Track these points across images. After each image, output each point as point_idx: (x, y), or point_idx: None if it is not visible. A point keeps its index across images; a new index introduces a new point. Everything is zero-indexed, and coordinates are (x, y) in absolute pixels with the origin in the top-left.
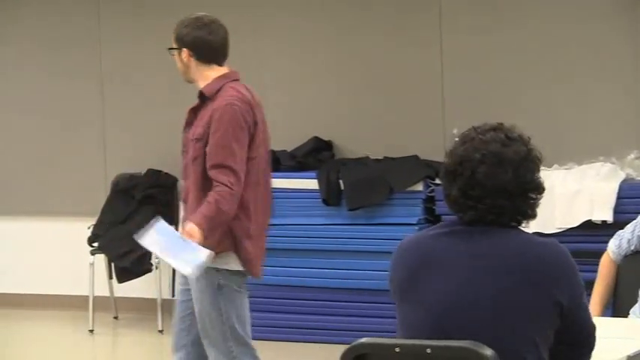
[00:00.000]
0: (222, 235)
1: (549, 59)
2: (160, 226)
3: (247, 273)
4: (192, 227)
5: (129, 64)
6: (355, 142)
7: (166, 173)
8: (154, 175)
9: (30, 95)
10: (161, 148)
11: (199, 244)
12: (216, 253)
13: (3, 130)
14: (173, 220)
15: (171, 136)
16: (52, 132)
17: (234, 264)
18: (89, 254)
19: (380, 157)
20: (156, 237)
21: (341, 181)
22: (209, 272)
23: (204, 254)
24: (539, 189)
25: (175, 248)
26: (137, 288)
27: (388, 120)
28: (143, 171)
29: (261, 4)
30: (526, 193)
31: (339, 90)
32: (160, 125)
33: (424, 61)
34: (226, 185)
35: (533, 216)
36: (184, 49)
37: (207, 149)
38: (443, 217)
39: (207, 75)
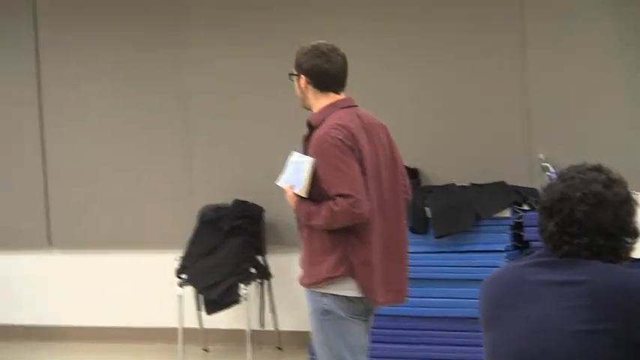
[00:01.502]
0: (337, 261)
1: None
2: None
3: (366, 300)
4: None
5: (213, 93)
6: (441, 169)
7: (253, 203)
8: (240, 205)
9: (116, 129)
10: (247, 179)
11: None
12: (331, 278)
13: (90, 163)
14: (260, 251)
15: (256, 166)
16: (138, 164)
17: (344, 290)
18: (177, 286)
19: (466, 184)
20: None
21: (427, 209)
22: (315, 296)
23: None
24: (636, 233)
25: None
26: (226, 319)
27: (473, 146)
28: (230, 202)
29: (343, 32)
30: (623, 236)
31: (424, 117)
32: (245, 155)
33: (508, 86)
34: (345, 206)
35: (627, 259)
36: (302, 76)
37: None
38: (531, 243)
39: (321, 103)
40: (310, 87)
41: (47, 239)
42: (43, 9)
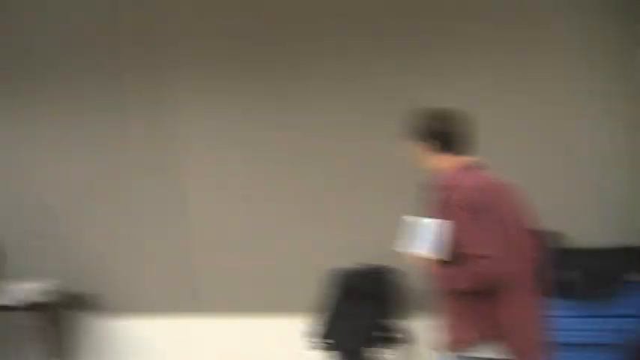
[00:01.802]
0: (478, 323)
1: None
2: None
3: None
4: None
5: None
6: (584, 230)
7: (384, 266)
8: (371, 269)
9: (257, 193)
10: (378, 241)
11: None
12: (474, 341)
13: (233, 227)
14: (394, 316)
15: (386, 227)
16: (268, 227)
17: (488, 353)
18: (309, 351)
19: (610, 246)
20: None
21: (569, 272)
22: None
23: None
24: None
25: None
26: None
27: (617, 206)
28: (360, 265)
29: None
30: None
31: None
32: (372, 217)
33: None
34: (487, 267)
35: None
36: (423, 139)
37: None
38: None
39: (442, 165)
40: (432, 149)
41: (191, 302)
42: (185, 72)
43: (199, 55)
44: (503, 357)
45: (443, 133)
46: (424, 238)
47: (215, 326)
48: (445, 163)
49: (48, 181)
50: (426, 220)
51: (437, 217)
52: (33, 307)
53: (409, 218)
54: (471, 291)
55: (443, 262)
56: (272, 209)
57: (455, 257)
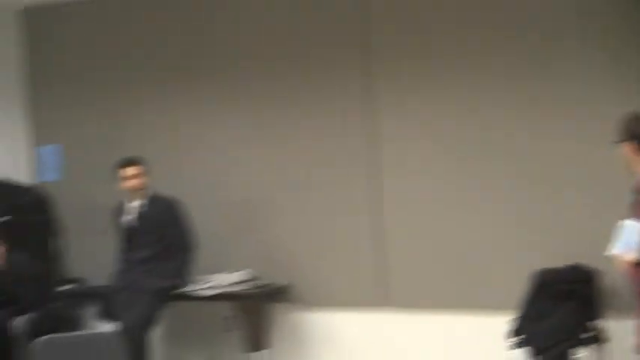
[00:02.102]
0: None
1: None
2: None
3: None
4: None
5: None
6: None
7: (587, 267)
8: (574, 268)
9: (455, 187)
10: (580, 241)
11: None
12: None
13: (426, 221)
14: (595, 316)
15: (591, 229)
16: (463, 223)
17: None
18: (508, 349)
19: None
20: None
21: None
22: None
23: None
24: None
25: None
26: None
27: None
28: (562, 264)
29: None
30: None
31: None
32: (577, 218)
33: None
34: None
35: None
36: (628, 142)
37: None
38: None
39: None
40: (637, 152)
41: (384, 297)
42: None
43: (400, 52)
44: None
45: None
46: (627, 240)
47: (407, 322)
48: None
49: (242, 175)
50: (629, 222)
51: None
52: (229, 298)
53: (624, 222)
54: None
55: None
56: (468, 204)
57: None
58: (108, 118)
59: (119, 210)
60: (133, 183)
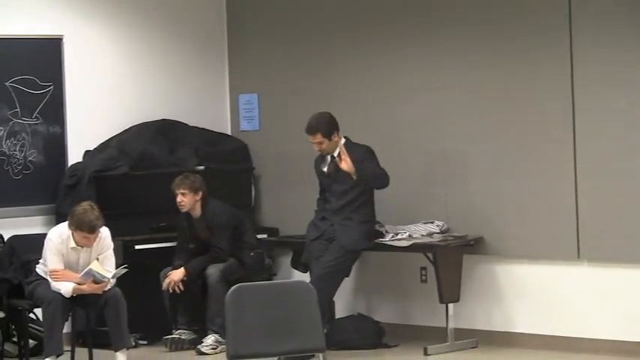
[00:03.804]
0: None
1: None
2: None
3: None
4: None
5: None
6: None
7: None
8: None
9: None
10: None
11: None
12: None
13: (625, 171)
14: None
15: None
16: None
17: None
18: None
19: None
20: None
21: None
22: None
23: None
24: None
25: None
26: None
27: None
28: None
29: None
30: None
31: None
32: None
33: None
34: None
35: None
36: None
37: None
38: None
39: None
40: None
41: (576, 252)
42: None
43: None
44: None
45: None
46: None
47: (598, 276)
48: None
49: (440, 126)
50: None
51: None
52: (424, 249)
53: None
54: None
55: None
56: None
57: None
58: (304, 69)
59: (320, 159)
60: (317, 148)
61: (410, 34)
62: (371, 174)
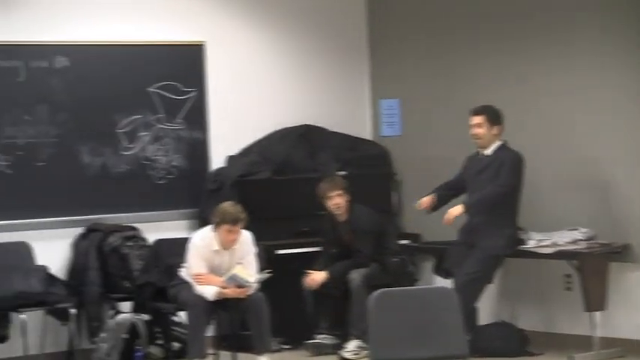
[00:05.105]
0: None
1: None
2: None
3: None
4: None
5: None
6: None
7: None
8: None
9: None
10: None
11: None
12: None
13: None
14: None
15: None
16: None
17: None
18: None
19: None
20: None
21: None
22: None
23: None
24: None
25: None
26: None
27: None
28: None
29: None
30: None
31: None
32: None
33: None
34: None
35: None
36: None
37: None
38: None
39: None
40: None
41: None
42: None
43: None
44: None
45: None
46: None
47: None
48: None
49: (587, 131)
50: None
51: None
52: (569, 256)
53: None
54: None
55: None
56: None
57: None
58: (446, 73)
59: (470, 160)
60: (473, 132)
61: (554, 32)
62: (474, 203)
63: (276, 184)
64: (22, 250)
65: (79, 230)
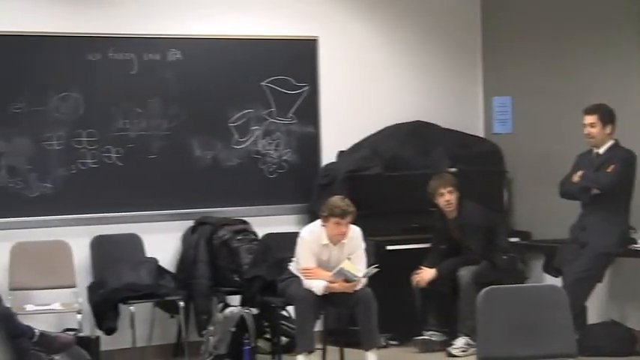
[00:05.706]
0: None
1: None
2: None
3: None
4: None
5: None
6: None
7: None
8: None
9: None
10: None
11: None
12: None
13: None
14: None
15: None
16: None
17: None
18: None
19: None
20: None
21: None
22: None
23: None
24: None
25: None
26: None
27: None
28: None
29: None
30: None
31: None
32: None
33: None
34: None
35: None
36: None
37: None
38: None
39: None
40: None
41: None
42: None
43: None
44: None
45: None
46: None
47: None
48: None
49: None
50: None
51: None
52: None
53: None
54: None
55: None
56: None
57: None
58: (558, 71)
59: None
60: (586, 131)
61: None
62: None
63: (387, 180)
64: (133, 243)
65: (189, 223)
